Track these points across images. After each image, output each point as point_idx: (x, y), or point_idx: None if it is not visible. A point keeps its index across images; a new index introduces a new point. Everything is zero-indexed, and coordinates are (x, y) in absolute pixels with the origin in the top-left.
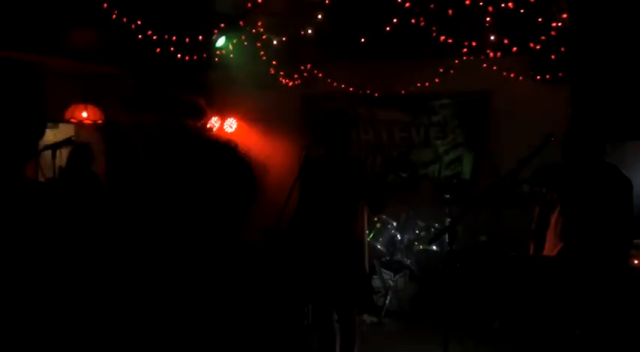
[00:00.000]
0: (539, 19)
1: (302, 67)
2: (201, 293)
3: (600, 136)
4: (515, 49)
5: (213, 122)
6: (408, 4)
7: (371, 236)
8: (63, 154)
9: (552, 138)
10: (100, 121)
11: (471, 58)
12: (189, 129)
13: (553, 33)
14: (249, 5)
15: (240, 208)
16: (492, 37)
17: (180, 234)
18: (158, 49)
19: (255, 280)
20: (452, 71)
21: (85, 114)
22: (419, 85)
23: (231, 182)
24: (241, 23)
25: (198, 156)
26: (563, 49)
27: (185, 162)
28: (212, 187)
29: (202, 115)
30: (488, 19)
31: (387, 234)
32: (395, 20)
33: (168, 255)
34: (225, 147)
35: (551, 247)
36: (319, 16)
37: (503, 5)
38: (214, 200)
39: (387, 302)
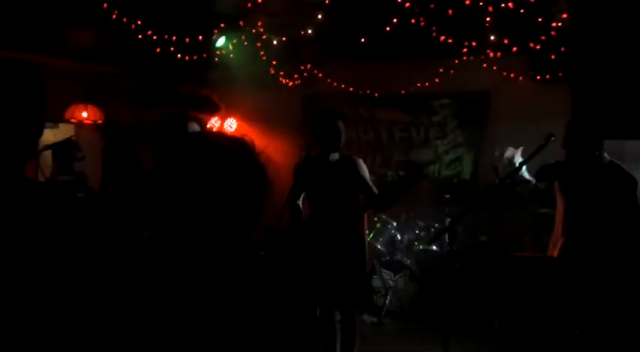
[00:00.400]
0: (539, 19)
1: (302, 67)
2: (208, 296)
3: (599, 133)
4: (515, 49)
5: (213, 122)
6: (408, 4)
7: (371, 236)
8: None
9: (552, 138)
10: (100, 121)
11: (471, 58)
12: (202, 123)
13: (553, 33)
14: (249, 5)
15: (253, 207)
16: (492, 37)
17: (188, 232)
18: (158, 49)
19: (264, 282)
20: (452, 71)
21: (85, 114)
22: (419, 84)
23: (245, 179)
24: (241, 23)
25: (211, 151)
26: (563, 49)
27: (197, 157)
28: (224, 184)
29: (216, 109)
30: (488, 19)
31: (387, 234)
32: (395, 20)
33: (172, 254)
34: (239, 143)
35: (553, 242)
36: (319, 16)
37: (503, 5)
38: (225, 197)
39: (387, 302)
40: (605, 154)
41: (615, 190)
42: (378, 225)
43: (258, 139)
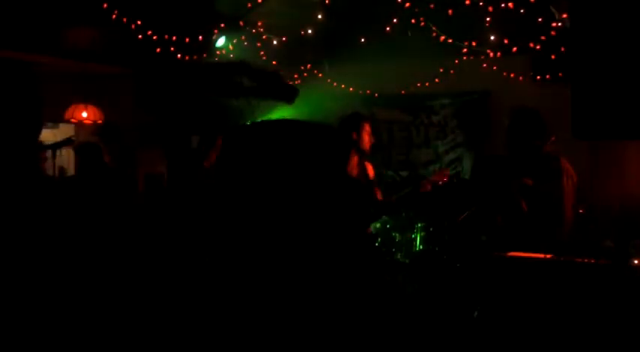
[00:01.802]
0: (539, 19)
1: (302, 67)
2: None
3: (539, 127)
4: (515, 49)
5: None
6: (408, 4)
7: None
8: (63, 154)
9: (552, 138)
10: (100, 121)
11: (471, 58)
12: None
13: (553, 33)
14: (249, 5)
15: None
16: (492, 37)
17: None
18: (158, 49)
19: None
20: (452, 71)
21: (85, 114)
22: (419, 84)
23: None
24: (241, 23)
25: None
26: (563, 49)
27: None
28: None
29: (296, 95)
30: (488, 19)
31: (386, 233)
32: (395, 20)
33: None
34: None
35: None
36: (319, 16)
37: (503, 5)
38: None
39: None
40: (547, 146)
41: (547, 182)
42: (378, 225)
43: None
